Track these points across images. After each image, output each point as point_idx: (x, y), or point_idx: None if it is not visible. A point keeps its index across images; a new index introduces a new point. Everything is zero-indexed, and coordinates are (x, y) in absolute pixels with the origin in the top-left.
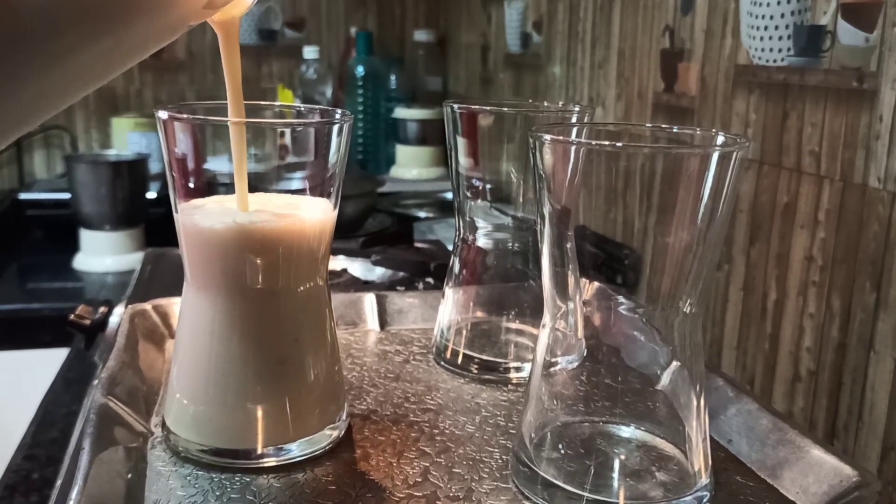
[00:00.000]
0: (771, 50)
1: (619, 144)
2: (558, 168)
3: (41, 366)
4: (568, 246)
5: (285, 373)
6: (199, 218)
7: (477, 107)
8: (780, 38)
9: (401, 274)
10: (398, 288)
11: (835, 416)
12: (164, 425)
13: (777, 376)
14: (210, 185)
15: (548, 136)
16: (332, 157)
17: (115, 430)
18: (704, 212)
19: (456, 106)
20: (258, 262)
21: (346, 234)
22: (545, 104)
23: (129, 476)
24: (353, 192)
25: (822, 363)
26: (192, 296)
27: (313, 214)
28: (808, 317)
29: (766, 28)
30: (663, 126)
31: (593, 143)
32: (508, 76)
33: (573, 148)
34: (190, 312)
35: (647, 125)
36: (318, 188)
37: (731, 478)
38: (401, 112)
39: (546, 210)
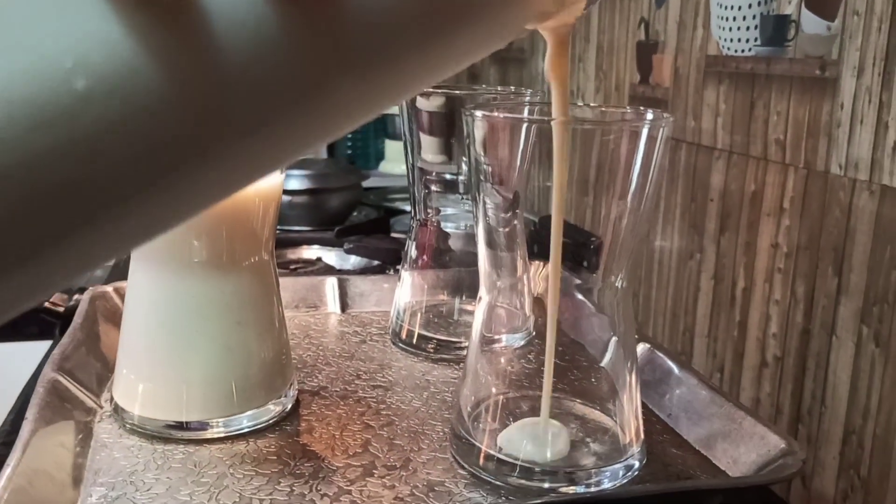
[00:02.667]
0: (739, 40)
1: (528, 116)
2: (489, 143)
3: (28, 358)
4: (514, 224)
5: (230, 349)
6: None
7: (430, 89)
8: (748, 28)
9: (375, 262)
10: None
11: (800, 401)
12: (112, 400)
13: (745, 363)
14: None
15: (479, 112)
16: None
17: (62, 404)
18: (636, 186)
19: None
20: (200, 229)
21: (331, 226)
22: (498, 88)
23: (74, 447)
24: (338, 185)
25: (787, 349)
26: (137, 271)
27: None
28: (774, 303)
29: (734, 18)
30: (601, 106)
31: (515, 115)
32: (494, 70)
33: (501, 122)
34: (135, 289)
35: (591, 105)
36: None
37: (667, 450)
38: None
39: (482, 189)
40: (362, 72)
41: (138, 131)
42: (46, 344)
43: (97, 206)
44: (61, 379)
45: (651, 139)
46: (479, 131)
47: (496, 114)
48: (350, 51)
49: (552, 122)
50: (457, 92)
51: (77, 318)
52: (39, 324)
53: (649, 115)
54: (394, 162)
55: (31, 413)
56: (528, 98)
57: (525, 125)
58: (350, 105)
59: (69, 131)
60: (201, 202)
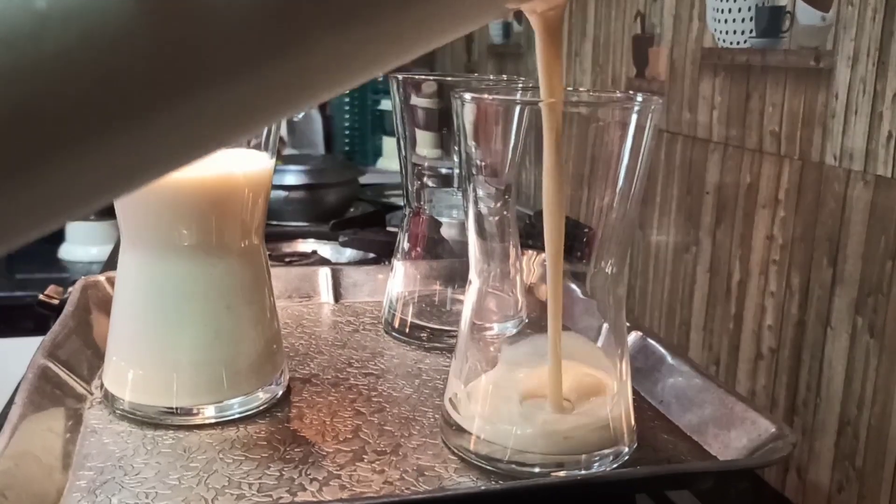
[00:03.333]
0: (734, 32)
1: (516, 98)
2: (478, 127)
3: (25, 352)
4: (504, 213)
5: (219, 333)
6: None
7: (421, 76)
8: (743, 20)
9: (370, 256)
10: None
11: (795, 392)
12: (102, 386)
13: (741, 355)
14: None
15: (468, 95)
16: None
17: (52, 390)
18: (626, 169)
19: (400, 76)
20: (188, 213)
21: (327, 221)
22: (490, 77)
23: (63, 433)
24: (334, 181)
25: (782, 341)
26: (126, 256)
27: (247, 166)
28: (770, 295)
29: (729, 10)
30: (590, 91)
31: (503, 97)
32: (492, 64)
33: (489, 104)
34: (125, 274)
35: (581, 89)
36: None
37: (658, 435)
38: (387, 104)
39: (472, 178)
40: (341, 28)
41: (103, 61)
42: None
43: (58, 140)
44: (51, 365)
45: (640, 124)
46: (468, 114)
47: (485, 96)
48: (329, 4)
49: (541, 105)
50: (449, 79)
51: (68, 307)
52: (35, 319)
53: (639, 98)
54: (391, 158)
55: (19, 398)
56: (520, 85)
57: (515, 108)
58: (328, 65)
59: (28, 52)
60: (177, 152)
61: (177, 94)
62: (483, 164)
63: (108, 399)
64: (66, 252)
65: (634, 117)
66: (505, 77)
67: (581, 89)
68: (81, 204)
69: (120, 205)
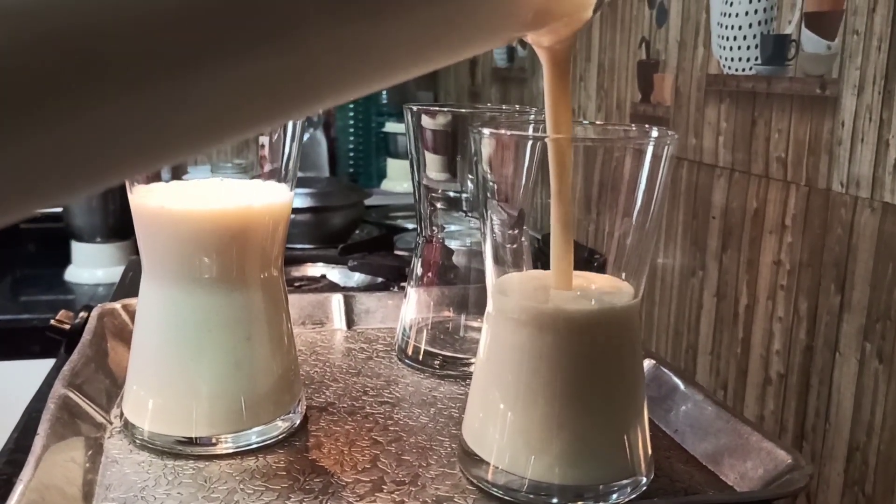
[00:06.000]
0: (740, 59)
1: (535, 134)
2: (496, 161)
3: (31, 376)
4: (521, 241)
5: (238, 364)
6: (152, 199)
7: (436, 108)
8: (749, 47)
9: (379, 280)
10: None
11: (803, 418)
12: (122, 416)
13: (749, 380)
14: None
15: (486, 130)
16: (288, 136)
17: (73, 420)
18: (641, 204)
19: (415, 107)
20: (210, 245)
21: (333, 244)
22: (503, 107)
23: (84, 463)
24: (340, 204)
25: (790, 366)
26: (148, 287)
27: (266, 198)
28: (777, 320)
29: (734, 38)
30: (606, 124)
31: (523, 133)
32: (496, 89)
33: (508, 139)
34: (146, 304)
35: (595, 122)
36: (275, 172)
37: (674, 465)
38: (391, 126)
39: (489, 206)
40: (341, 17)
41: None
42: (49, 362)
43: (109, 84)
44: (71, 395)
45: (656, 157)
46: (485, 149)
47: (503, 131)
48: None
49: (547, 140)
50: (462, 110)
51: (86, 335)
52: (42, 342)
53: (654, 133)
54: (395, 180)
55: (42, 429)
56: (532, 116)
57: (531, 143)
58: (333, 57)
59: None
60: (196, 127)
61: (234, 50)
62: (499, 194)
63: (128, 428)
64: (72, 274)
65: (650, 149)
66: (517, 107)
67: (597, 122)
68: (122, 159)
69: (142, 236)
